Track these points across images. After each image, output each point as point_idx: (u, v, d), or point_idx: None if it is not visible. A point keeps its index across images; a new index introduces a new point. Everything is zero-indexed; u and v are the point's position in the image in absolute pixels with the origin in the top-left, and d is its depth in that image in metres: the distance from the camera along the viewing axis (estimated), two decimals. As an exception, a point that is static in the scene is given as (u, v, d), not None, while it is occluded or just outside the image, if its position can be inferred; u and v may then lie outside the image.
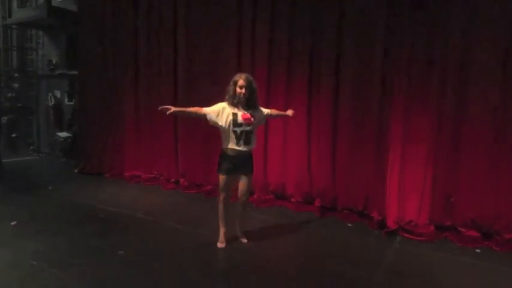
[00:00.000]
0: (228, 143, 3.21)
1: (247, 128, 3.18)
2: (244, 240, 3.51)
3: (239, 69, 4.78)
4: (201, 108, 3.22)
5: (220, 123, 3.17)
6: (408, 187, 3.87)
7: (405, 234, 3.84)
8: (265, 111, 3.45)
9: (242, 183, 3.37)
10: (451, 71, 3.66)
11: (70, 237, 3.65)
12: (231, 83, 3.19)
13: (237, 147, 3.20)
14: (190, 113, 3.27)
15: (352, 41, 4.16)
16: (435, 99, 3.72)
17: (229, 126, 3.15)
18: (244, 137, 3.18)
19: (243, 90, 3.13)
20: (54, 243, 3.48)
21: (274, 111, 3.62)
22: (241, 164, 3.27)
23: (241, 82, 3.13)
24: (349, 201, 4.34)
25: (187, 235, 3.84)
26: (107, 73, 6.18)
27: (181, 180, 5.51)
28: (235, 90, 3.15)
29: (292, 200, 4.73)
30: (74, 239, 3.61)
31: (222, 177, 3.30)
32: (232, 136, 3.17)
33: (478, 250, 3.59)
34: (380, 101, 4.01)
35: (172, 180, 5.63)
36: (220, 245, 3.41)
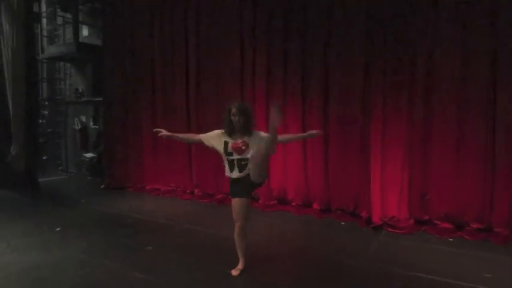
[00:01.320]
0: (225, 169, 3.23)
1: (239, 157, 3.12)
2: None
3: (241, 92, 5.63)
4: (195, 135, 3.37)
5: (216, 148, 3.22)
6: (389, 187, 4.51)
7: (389, 229, 4.47)
8: (266, 136, 3.10)
9: (234, 208, 3.24)
10: (418, 85, 4.35)
11: (106, 237, 4.40)
12: (226, 111, 3.18)
13: (231, 175, 3.18)
14: (184, 138, 3.51)
15: (337, 63, 4.89)
16: (406, 109, 4.40)
17: (223, 154, 3.18)
18: (237, 165, 3.13)
19: (236, 118, 3.10)
20: (94, 242, 4.22)
21: (287, 136, 3.60)
22: (238, 188, 3.19)
23: (233, 110, 3.11)
24: (342, 202, 4.99)
25: (204, 234, 4.53)
26: (128, 99, 7.05)
27: (196, 190, 6.24)
28: (230, 119, 3.13)
29: (293, 204, 5.40)
30: (109, 238, 4.36)
31: (232, 201, 3.25)
32: (226, 164, 3.19)
33: (451, 239, 4.18)
34: (362, 113, 4.71)
35: (188, 191, 6.36)
36: (234, 272, 3.30)
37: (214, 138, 3.21)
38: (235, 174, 3.16)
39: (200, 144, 3.31)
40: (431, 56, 4.27)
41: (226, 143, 3.15)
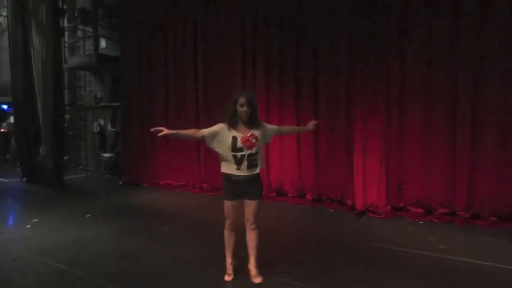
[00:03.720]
0: (227, 167, 2.94)
1: (249, 152, 2.88)
2: (258, 280, 3.01)
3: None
4: (198, 131, 3.02)
5: (217, 149, 2.95)
6: (369, 179, 5.25)
7: (370, 214, 5.21)
8: (273, 128, 3.16)
9: (248, 209, 3.03)
10: (393, 90, 5.09)
11: (129, 221, 5.22)
12: (232, 101, 2.94)
13: (238, 173, 2.90)
14: (185, 135, 3.12)
15: (324, 70, 5.64)
16: (383, 111, 5.14)
17: (228, 150, 2.89)
18: (246, 161, 2.88)
19: (245, 109, 2.85)
20: (119, 225, 5.04)
21: (286, 128, 3.58)
22: (246, 189, 2.96)
23: (242, 100, 2.86)
24: (330, 193, 5.74)
25: (212, 220, 5.29)
26: (143, 103, 7.89)
27: (205, 185, 7.04)
28: (235, 109, 2.89)
29: (289, 195, 6.16)
30: (132, 222, 5.18)
31: (225, 203, 3.02)
32: (232, 160, 2.89)
33: (421, 222, 4.91)
34: (346, 113, 5.47)
35: (197, 185, 7.16)
36: (228, 277, 3.10)
37: (219, 134, 2.92)
38: (243, 171, 2.89)
39: (202, 140, 3.05)
40: (403, 64, 5.01)
41: (234, 138, 2.86)
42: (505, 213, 4.51)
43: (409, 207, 5.09)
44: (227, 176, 2.97)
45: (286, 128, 3.44)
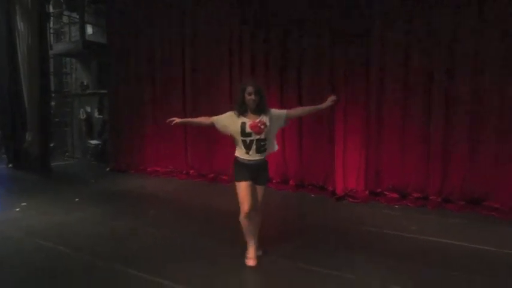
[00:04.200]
0: (238, 151, 3.07)
1: (258, 137, 2.98)
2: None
3: (230, 84, 6.56)
4: (208, 118, 3.16)
5: (229, 133, 3.07)
6: (349, 166, 5.49)
7: (349, 199, 5.45)
8: (281, 112, 3.19)
9: (257, 194, 3.14)
10: (372, 84, 5.31)
11: (116, 206, 5.37)
12: (240, 90, 3.06)
13: (247, 157, 3.01)
14: (196, 122, 3.35)
15: (308, 66, 5.83)
16: (363, 103, 5.37)
17: (238, 135, 3.00)
18: (255, 146, 2.98)
19: (253, 97, 2.96)
20: (107, 208, 5.18)
21: (297, 111, 3.37)
22: (256, 173, 3.07)
23: (250, 89, 2.97)
24: (312, 178, 5.97)
25: (198, 204, 5.50)
26: (130, 91, 7.93)
27: (191, 171, 7.20)
28: (243, 98, 2.99)
29: (274, 181, 6.36)
30: (118, 206, 5.32)
31: (239, 185, 3.04)
32: (242, 145, 3.01)
33: (396, 206, 5.18)
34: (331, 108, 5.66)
35: (184, 172, 7.31)
36: (252, 262, 3.15)
37: (228, 120, 3.04)
38: (253, 155, 3.00)
39: (212, 127, 3.16)
40: (382, 60, 5.23)
41: (243, 123, 2.97)
42: (472, 198, 4.81)
43: (386, 193, 5.36)
44: (238, 160, 3.07)
45: (297, 110, 3.31)
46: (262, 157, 3.05)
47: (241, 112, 3.01)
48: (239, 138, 3.01)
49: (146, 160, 7.82)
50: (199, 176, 7.08)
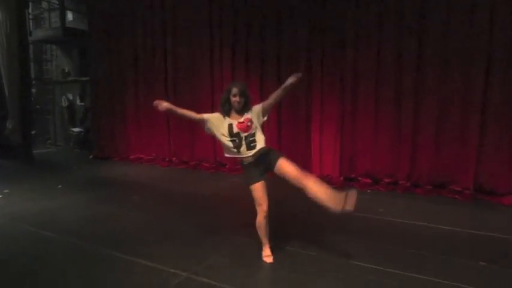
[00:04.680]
0: (228, 151, 3.06)
1: (246, 134, 2.98)
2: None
3: (211, 71, 6.68)
4: (197, 114, 3.10)
5: (214, 134, 3.07)
6: (325, 153, 5.75)
7: (325, 184, 5.73)
8: (258, 107, 3.10)
9: (285, 170, 3.01)
10: (347, 72, 5.53)
11: (99, 192, 5.50)
12: (225, 91, 3.06)
13: (239, 155, 3.02)
14: (184, 114, 3.10)
15: (286, 57, 5.98)
16: (338, 92, 5.60)
17: (225, 137, 3.00)
18: (245, 143, 2.98)
19: (237, 98, 2.97)
20: (90, 195, 5.30)
21: (270, 100, 3.10)
22: (262, 164, 3.02)
23: (235, 90, 2.97)
24: (291, 165, 6.21)
25: (180, 190, 5.68)
26: (112, 77, 7.96)
27: (174, 158, 7.35)
28: (228, 99, 3.00)
29: (254, 168, 6.59)
30: (102, 193, 5.46)
31: (253, 188, 3.00)
32: (230, 145, 3.00)
33: (369, 191, 5.48)
34: (305, 96, 5.89)
35: (167, 159, 7.46)
36: (268, 259, 3.15)
37: (217, 121, 3.04)
38: (245, 152, 2.98)
39: (197, 122, 3.16)
40: (356, 52, 5.44)
41: (230, 125, 2.99)
42: (438, 182, 5.14)
43: (360, 178, 5.65)
44: (241, 162, 3.05)
45: (269, 99, 3.09)
46: (256, 149, 2.98)
47: (226, 112, 3.03)
48: (226, 139, 2.99)
49: (129, 147, 7.92)
50: (182, 163, 7.24)
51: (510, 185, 4.73)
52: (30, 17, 9.52)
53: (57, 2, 8.93)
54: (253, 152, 3.00)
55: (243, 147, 2.99)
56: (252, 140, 3.00)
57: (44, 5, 9.59)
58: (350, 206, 2.84)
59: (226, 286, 2.71)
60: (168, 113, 3.18)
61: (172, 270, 2.91)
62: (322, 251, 3.32)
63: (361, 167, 5.65)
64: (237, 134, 2.98)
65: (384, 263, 3.06)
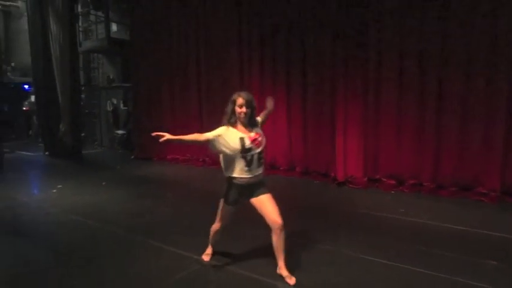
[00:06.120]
0: (236, 170, 2.78)
1: (258, 150, 2.77)
2: (293, 281, 2.82)
3: (241, 81, 7.05)
4: (201, 134, 2.83)
5: (224, 151, 2.77)
6: (350, 154, 5.89)
7: (349, 185, 5.88)
8: (259, 120, 3.03)
9: (266, 208, 2.83)
10: (370, 78, 5.66)
11: (138, 189, 6.04)
12: (229, 102, 2.84)
13: (248, 175, 2.78)
14: (188, 140, 2.86)
15: (312, 63, 6.22)
16: (361, 96, 5.73)
17: (237, 152, 2.73)
18: (256, 161, 2.77)
19: (244, 109, 2.76)
20: (130, 191, 5.86)
21: (262, 116, 3.13)
22: (255, 189, 2.85)
23: (240, 101, 2.78)
24: (316, 166, 6.42)
25: (209, 190, 6.04)
26: (152, 84, 8.59)
27: (207, 159, 7.80)
28: (233, 110, 2.79)
29: (281, 168, 6.86)
30: (140, 189, 6.00)
31: (225, 207, 2.95)
32: (242, 162, 2.75)
33: (393, 192, 5.56)
34: (330, 99, 6.08)
35: (201, 159, 7.92)
36: (206, 257, 3.23)
37: (224, 137, 2.75)
38: (254, 171, 2.78)
39: (205, 144, 2.84)
40: (379, 55, 5.57)
41: (242, 139, 2.74)
42: (462, 185, 5.12)
43: (384, 179, 5.74)
44: (234, 181, 2.82)
45: (263, 117, 3.13)
46: (261, 171, 2.84)
47: (232, 125, 2.80)
48: (238, 155, 2.73)
49: (167, 149, 8.46)
50: (214, 163, 7.64)
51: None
52: (80, 29, 10.45)
53: (103, 15, 9.75)
54: (260, 171, 2.82)
55: (254, 165, 2.77)
56: (261, 158, 2.81)
57: (92, 18, 10.49)
58: (290, 279, 2.84)
59: (240, 271, 3.03)
60: (172, 143, 2.90)
61: (195, 257, 3.27)
62: (338, 246, 3.53)
63: (385, 169, 5.74)
64: (249, 149, 2.74)
65: (394, 258, 3.22)
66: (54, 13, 8.40)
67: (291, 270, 2.90)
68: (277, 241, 2.82)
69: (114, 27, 10.15)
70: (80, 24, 10.48)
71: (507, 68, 4.68)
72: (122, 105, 10.38)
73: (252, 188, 2.85)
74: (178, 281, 2.93)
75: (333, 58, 5.99)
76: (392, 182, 5.67)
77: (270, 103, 3.19)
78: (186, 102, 7.89)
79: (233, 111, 2.81)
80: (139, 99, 8.91)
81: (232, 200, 2.89)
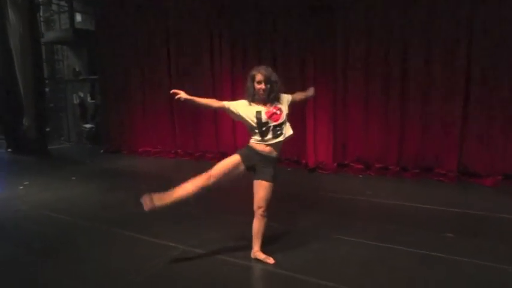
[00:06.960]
0: (254, 138, 2.88)
1: (275, 123, 2.82)
2: (271, 261, 2.93)
3: (212, 69, 7.04)
4: (217, 101, 2.95)
5: (243, 121, 2.89)
6: (319, 140, 6.09)
7: (320, 170, 6.10)
8: (288, 97, 3.00)
9: (260, 191, 2.88)
10: (338, 64, 5.86)
11: (110, 182, 5.96)
12: (249, 78, 2.86)
13: (261, 145, 2.85)
14: (202, 104, 2.93)
15: (283, 55, 6.34)
16: (331, 83, 5.92)
17: (253, 124, 2.82)
18: (272, 132, 2.83)
19: (262, 86, 2.77)
20: (101, 184, 5.77)
21: (298, 95, 3.18)
22: (262, 164, 2.87)
23: (259, 77, 2.78)
24: (288, 153, 6.57)
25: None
26: (119, 75, 8.40)
27: (179, 151, 7.78)
28: (254, 87, 2.81)
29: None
30: (113, 183, 5.92)
31: (231, 156, 2.93)
32: (257, 133, 2.84)
33: (361, 176, 5.82)
34: (301, 87, 6.19)
35: (173, 151, 7.89)
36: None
37: (242, 108, 2.85)
38: (269, 140, 2.83)
39: (220, 111, 2.99)
40: (347, 46, 5.77)
41: (258, 112, 2.80)
42: (424, 166, 5.45)
43: (352, 164, 5.99)
44: (249, 146, 2.89)
45: (297, 95, 3.16)
46: (279, 141, 2.85)
47: (253, 100, 2.84)
48: (253, 126, 2.82)
49: (137, 141, 8.37)
50: (186, 155, 7.67)
51: (491, 167, 5.02)
52: (41, 19, 9.99)
53: (66, 4, 9.38)
54: (274, 141, 2.84)
55: (269, 136, 2.82)
56: (278, 129, 2.84)
57: (54, 7, 10.05)
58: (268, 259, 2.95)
59: (217, 256, 3.12)
60: (188, 103, 2.89)
61: (172, 244, 3.33)
62: (307, 226, 3.74)
63: (353, 153, 5.99)
64: (266, 123, 2.80)
65: (365, 236, 3.41)
66: (13, 2, 7.99)
67: (267, 252, 3.01)
68: (258, 225, 2.93)
69: (78, 17, 9.78)
70: (41, 14, 10.01)
71: (463, 53, 4.98)
72: (89, 99, 10.09)
73: (261, 160, 2.85)
74: (156, 268, 2.98)
75: (304, 46, 6.11)
76: (360, 166, 5.92)
77: (310, 90, 3.39)
78: (156, 90, 7.78)
79: (253, 88, 2.83)
80: (107, 91, 8.69)
81: (240, 154, 2.89)
